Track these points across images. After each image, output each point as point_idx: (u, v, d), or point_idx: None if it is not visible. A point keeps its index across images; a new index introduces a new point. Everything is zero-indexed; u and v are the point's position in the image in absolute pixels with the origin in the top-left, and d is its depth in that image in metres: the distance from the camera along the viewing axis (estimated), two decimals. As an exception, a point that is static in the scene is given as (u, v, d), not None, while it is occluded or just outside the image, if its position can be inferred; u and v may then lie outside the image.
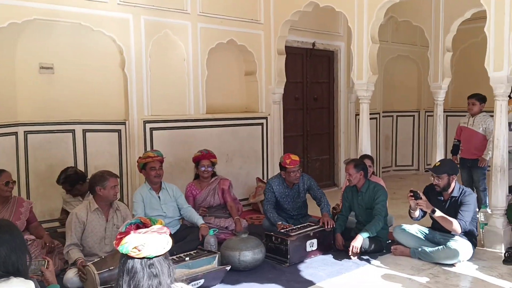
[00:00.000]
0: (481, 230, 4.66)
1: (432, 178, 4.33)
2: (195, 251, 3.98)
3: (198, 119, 5.99)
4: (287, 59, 6.66)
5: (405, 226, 4.50)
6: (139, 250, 1.80)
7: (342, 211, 4.83)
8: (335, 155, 7.93)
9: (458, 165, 5.64)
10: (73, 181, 4.66)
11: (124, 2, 5.27)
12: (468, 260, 4.17)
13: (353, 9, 5.47)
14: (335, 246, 4.60)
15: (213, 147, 5.37)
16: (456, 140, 6.02)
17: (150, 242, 1.81)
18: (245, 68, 6.69)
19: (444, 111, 6.96)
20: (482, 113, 5.72)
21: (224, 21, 6.12)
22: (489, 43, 4.45)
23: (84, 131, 5.49)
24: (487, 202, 5.19)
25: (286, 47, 6.66)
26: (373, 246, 4.42)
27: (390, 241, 4.62)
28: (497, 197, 4.54)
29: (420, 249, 4.28)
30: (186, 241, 4.42)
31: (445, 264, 4.11)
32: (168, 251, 1.90)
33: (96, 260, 3.63)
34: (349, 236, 4.51)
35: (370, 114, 5.71)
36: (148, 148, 5.47)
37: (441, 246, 4.16)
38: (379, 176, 7.04)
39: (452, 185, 4.27)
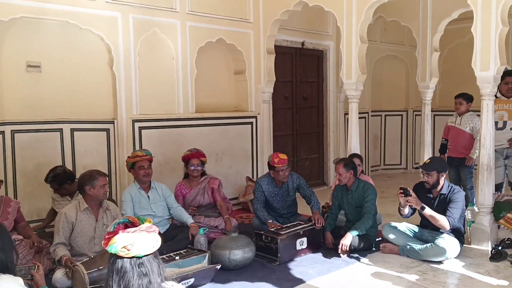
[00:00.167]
0: (468, 228, 4.71)
1: (422, 175, 4.38)
2: (185, 250, 3.97)
3: (188, 118, 5.97)
4: (276, 58, 6.67)
5: (394, 224, 4.54)
6: (128, 250, 1.79)
7: (331, 209, 4.86)
8: (324, 154, 7.97)
9: (446, 164, 5.70)
10: (62, 180, 4.62)
11: (113, 0, 5.23)
12: (455, 258, 4.21)
13: (342, 8, 5.49)
14: (325, 245, 4.62)
15: (202, 146, 5.36)
16: (444, 139, 6.09)
17: (139, 241, 1.80)
18: (235, 67, 6.69)
19: (431, 111, 7.04)
20: (469, 112, 5.79)
21: (213, 20, 6.11)
22: (476, 43, 4.50)
23: (72, 130, 5.44)
24: (474, 200, 5.25)
25: (275, 46, 6.67)
26: (362, 244, 4.45)
27: (379, 239, 4.66)
28: (484, 195, 4.59)
29: (408, 246, 4.32)
30: (175, 241, 4.41)
31: (433, 262, 4.15)
32: (158, 249, 1.89)
33: (85, 259, 3.60)
34: (339, 234, 4.53)
35: (359, 113, 5.73)
36: (137, 147, 5.44)
37: (429, 244, 4.21)
38: (368, 175, 7.08)
39: (441, 182, 4.33)
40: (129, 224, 1.87)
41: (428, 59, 6.76)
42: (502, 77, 5.14)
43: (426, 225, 4.39)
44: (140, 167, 4.57)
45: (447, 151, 5.97)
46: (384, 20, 7.74)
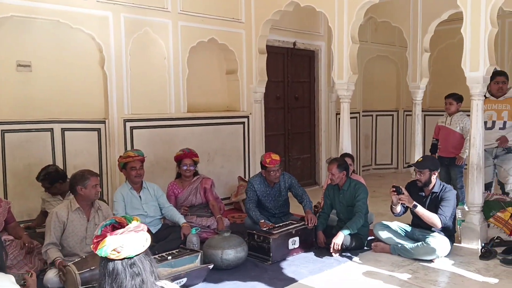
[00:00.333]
0: (458, 227, 4.76)
1: (414, 173, 4.42)
2: (177, 250, 3.97)
3: (179, 118, 5.96)
4: (268, 58, 6.68)
5: (386, 223, 4.57)
6: (118, 252, 1.77)
7: (323, 209, 4.88)
8: (316, 154, 8.00)
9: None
10: (53, 178, 4.58)
11: (104, 0, 5.20)
12: (446, 256, 4.25)
13: (334, 9, 5.52)
14: (317, 244, 4.64)
15: (194, 146, 5.35)
16: (434, 139, 6.13)
17: (129, 242, 1.78)
18: (226, 67, 6.69)
19: (422, 111, 7.11)
20: (459, 112, 5.84)
21: (205, 20, 6.11)
22: (465, 44, 4.54)
23: (63, 130, 5.40)
24: (464, 199, 5.30)
25: (267, 46, 6.68)
26: (354, 243, 4.47)
27: (371, 238, 4.68)
28: (474, 194, 4.64)
29: (400, 245, 4.36)
30: (168, 240, 4.40)
31: (424, 260, 4.18)
32: (148, 247, 1.87)
33: (77, 260, 3.58)
34: (331, 234, 4.55)
35: (350, 113, 5.76)
36: (129, 147, 5.42)
37: (420, 243, 4.25)
38: (359, 175, 7.12)
39: (433, 181, 4.37)
40: (116, 224, 1.85)
41: (419, 60, 6.82)
42: (492, 77, 5.20)
43: (418, 224, 4.43)
44: (132, 167, 4.55)
45: (438, 151, 6.02)
46: (375, 20, 7.80)
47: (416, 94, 6.91)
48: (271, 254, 4.25)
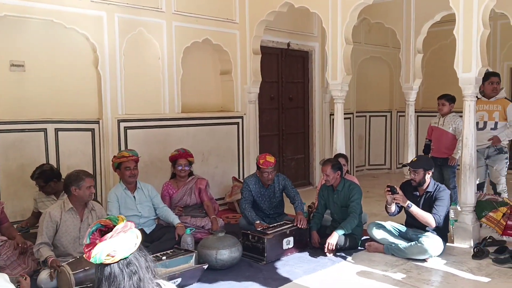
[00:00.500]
0: (451, 227, 4.79)
1: (409, 173, 4.46)
2: (171, 250, 3.96)
3: (174, 118, 5.96)
4: (262, 58, 6.69)
5: (379, 223, 4.60)
6: (112, 256, 1.76)
7: (318, 209, 4.89)
8: (310, 154, 8.02)
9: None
10: (48, 177, 4.56)
11: (98, 0, 5.19)
12: (439, 256, 4.28)
13: (327, 10, 5.55)
14: (311, 244, 4.65)
15: (188, 146, 5.35)
16: (427, 140, 6.17)
17: (121, 244, 1.77)
18: (221, 67, 6.69)
19: (415, 112, 7.15)
20: (452, 113, 5.88)
21: (199, 20, 6.11)
22: (458, 45, 4.58)
23: (57, 130, 5.38)
24: (457, 199, 5.34)
25: (261, 47, 6.69)
26: (348, 243, 4.49)
27: (365, 237, 4.70)
28: (466, 194, 4.68)
29: (393, 245, 4.38)
30: (162, 241, 4.40)
31: (417, 260, 4.21)
32: (140, 242, 1.85)
33: (70, 260, 3.57)
34: (325, 234, 4.56)
35: (344, 114, 5.79)
36: (123, 148, 5.40)
37: (414, 242, 4.28)
38: (353, 175, 7.15)
39: (428, 180, 4.41)
40: (102, 228, 1.83)
41: (412, 61, 6.87)
42: (486, 78, 5.26)
43: (411, 223, 4.46)
44: (126, 167, 4.54)
45: (431, 151, 6.06)
46: (369, 22, 7.84)
47: (409, 95, 6.96)
48: (265, 254, 4.26)
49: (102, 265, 1.79)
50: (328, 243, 4.35)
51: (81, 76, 5.40)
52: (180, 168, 5.01)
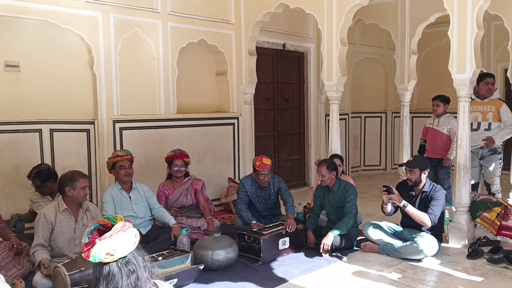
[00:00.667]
0: (446, 227, 4.82)
1: (405, 172, 4.48)
2: (167, 251, 3.96)
3: (169, 119, 5.95)
4: (258, 59, 6.70)
5: (375, 223, 4.61)
6: (112, 255, 1.77)
7: (313, 209, 4.90)
8: (305, 155, 8.03)
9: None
10: (45, 177, 4.54)
11: (93, 0, 5.18)
12: (434, 256, 4.30)
13: (323, 11, 5.56)
14: (307, 244, 4.66)
15: (184, 147, 5.34)
16: (422, 141, 6.20)
17: (120, 243, 1.78)
18: (216, 68, 6.69)
19: (410, 112, 7.18)
20: (447, 114, 5.92)
21: (195, 21, 6.11)
22: (452, 46, 4.61)
23: (52, 131, 5.36)
24: (452, 199, 5.37)
25: (257, 47, 6.70)
26: (343, 243, 4.50)
27: (360, 238, 4.72)
28: (461, 195, 4.70)
29: (389, 245, 4.40)
30: (158, 241, 4.39)
31: (412, 260, 4.23)
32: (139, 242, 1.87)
33: (66, 261, 3.56)
34: (321, 234, 4.57)
35: (339, 114, 5.80)
36: (118, 148, 5.38)
37: (409, 242, 4.30)
38: (348, 176, 7.18)
39: (423, 180, 4.43)
40: (101, 228, 1.83)
41: (407, 62, 6.89)
42: (481, 78, 5.29)
43: (407, 224, 4.49)
44: (121, 166, 4.54)
45: (425, 152, 6.09)
46: (364, 23, 7.86)
47: (404, 96, 6.99)
48: (261, 255, 4.26)
49: (101, 264, 1.79)
50: (324, 244, 4.36)
51: (76, 76, 5.38)
52: (176, 169, 5.01)
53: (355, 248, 4.62)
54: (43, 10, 4.82)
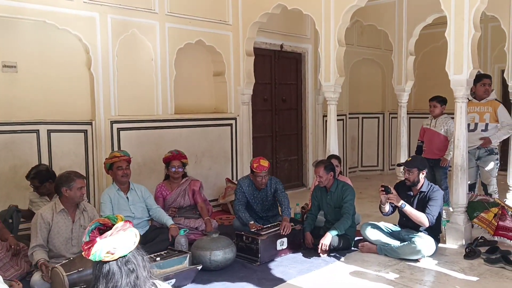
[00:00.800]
0: (443, 227, 4.83)
1: (403, 172, 4.50)
2: (165, 251, 3.96)
3: (167, 120, 5.95)
4: (255, 60, 6.71)
5: (372, 223, 4.62)
6: (112, 254, 1.78)
7: (311, 210, 4.91)
8: (303, 155, 8.04)
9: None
10: (43, 177, 4.53)
11: (91, 1, 5.18)
12: (431, 256, 4.32)
13: (320, 12, 5.58)
14: (305, 245, 4.66)
15: (182, 148, 5.34)
16: (419, 141, 6.22)
17: (120, 242, 1.79)
18: (214, 68, 6.69)
19: (407, 113, 7.20)
20: (444, 115, 5.93)
21: (193, 22, 6.11)
22: (449, 47, 4.62)
23: (49, 132, 5.34)
24: (449, 200, 5.39)
25: (254, 48, 6.71)
26: (341, 243, 4.51)
27: (358, 238, 4.73)
28: (458, 195, 4.72)
29: (386, 245, 4.41)
30: (156, 242, 4.39)
31: (410, 260, 4.24)
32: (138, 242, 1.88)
33: (64, 261, 3.55)
34: (318, 235, 4.58)
35: (337, 115, 5.81)
36: (116, 149, 5.38)
37: (406, 243, 4.31)
38: (346, 176, 7.19)
39: (422, 180, 4.45)
40: (101, 227, 1.84)
41: (404, 63, 6.92)
42: (478, 79, 5.31)
43: (404, 224, 4.50)
44: (118, 167, 4.54)
45: (423, 152, 6.11)
46: (361, 24, 7.89)
47: (401, 96, 7.01)
48: (259, 255, 4.26)
49: (101, 263, 1.80)
50: (322, 244, 4.37)
51: (73, 77, 5.38)
52: (173, 169, 5.01)
53: (353, 248, 4.63)
54: (41, 11, 4.83)
